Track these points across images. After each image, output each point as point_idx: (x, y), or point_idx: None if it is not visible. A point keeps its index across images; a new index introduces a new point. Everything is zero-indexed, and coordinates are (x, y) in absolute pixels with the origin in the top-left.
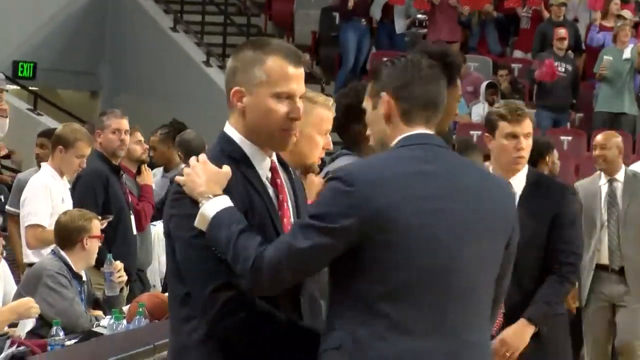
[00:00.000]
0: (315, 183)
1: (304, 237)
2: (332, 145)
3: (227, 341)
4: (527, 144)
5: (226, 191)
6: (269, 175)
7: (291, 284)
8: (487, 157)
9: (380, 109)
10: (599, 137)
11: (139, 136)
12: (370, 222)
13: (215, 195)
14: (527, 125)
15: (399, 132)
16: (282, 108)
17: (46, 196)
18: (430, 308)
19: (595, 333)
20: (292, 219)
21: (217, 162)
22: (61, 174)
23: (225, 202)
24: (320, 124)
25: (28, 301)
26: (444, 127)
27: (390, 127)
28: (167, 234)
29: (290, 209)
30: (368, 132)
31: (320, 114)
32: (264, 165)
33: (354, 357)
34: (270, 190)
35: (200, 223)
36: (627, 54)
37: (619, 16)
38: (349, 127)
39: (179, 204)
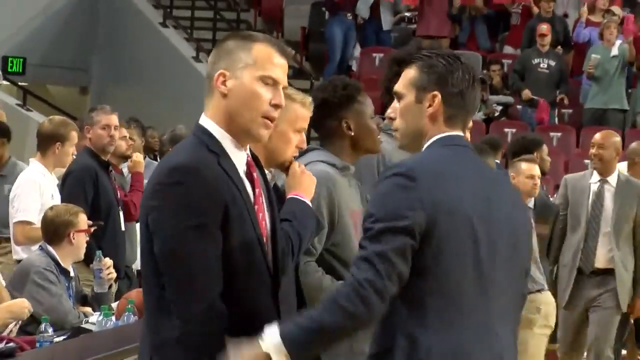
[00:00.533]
0: (297, 173)
1: (384, 243)
2: (305, 144)
3: (210, 336)
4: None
5: (213, 185)
6: (245, 169)
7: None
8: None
9: (425, 104)
10: (597, 136)
11: (124, 132)
12: (433, 215)
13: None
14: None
15: (438, 131)
16: (266, 93)
17: (35, 192)
18: (476, 305)
19: (568, 336)
20: (266, 214)
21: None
22: (51, 170)
23: (273, 331)
24: (295, 121)
25: (22, 301)
26: None
27: (432, 126)
28: (145, 225)
29: (264, 203)
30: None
31: (297, 111)
32: (240, 159)
33: (410, 356)
34: (247, 184)
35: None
36: (614, 51)
37: (607, 11)
38: (324, 121)
39: (161, 196)
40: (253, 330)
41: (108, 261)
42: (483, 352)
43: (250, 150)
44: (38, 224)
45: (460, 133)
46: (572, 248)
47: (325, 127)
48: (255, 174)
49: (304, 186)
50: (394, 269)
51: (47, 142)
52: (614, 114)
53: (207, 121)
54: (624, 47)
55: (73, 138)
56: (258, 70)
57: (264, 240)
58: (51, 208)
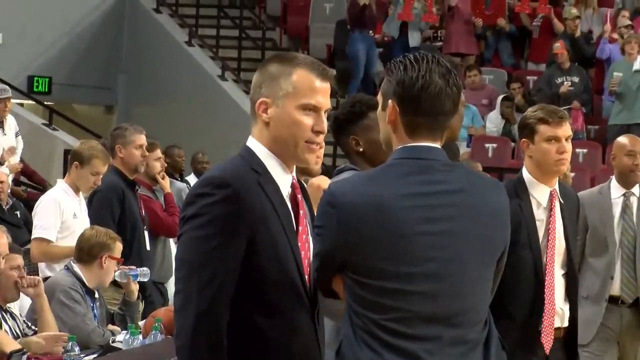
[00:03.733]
0: (320, 188)
1: (315, 244)
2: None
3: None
4: (569, 147)
5: (243, 202)
6: (290, 191)
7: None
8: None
9: (387, 113)
10: (624, 141)
11: (159, 153)
12: (351, 244)
13: None
14: (568, 128)
15: (401, 141)
16: (307, 120)
17: (56, 211)
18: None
19: None
20: (309, 235)
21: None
22: (76, 190)
23: None
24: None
25: (60, 336)
26: (454, 133)
27: (395, 134)
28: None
29: (308, 225)
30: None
31: None
32: (285, 181)
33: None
34: (289, 206)
35: None
36: (636, 66)
37: (627, 27)
38: (338, 139)
39: (190, 206)
40: (294, 346)
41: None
42: None
43: (298, 178)
44: (56, 242)
45: (426, 143)
46: (599, 276)
47: (341, 145)
48: (299, 197)
49: (315, 200)
50: (319, 274)
51: (70, 160)
52: (638, 128)
53: (253, 142)
54: None
55: (94, 165)
56: (299, 98)
57: (304, 261)
58: (92, 228)
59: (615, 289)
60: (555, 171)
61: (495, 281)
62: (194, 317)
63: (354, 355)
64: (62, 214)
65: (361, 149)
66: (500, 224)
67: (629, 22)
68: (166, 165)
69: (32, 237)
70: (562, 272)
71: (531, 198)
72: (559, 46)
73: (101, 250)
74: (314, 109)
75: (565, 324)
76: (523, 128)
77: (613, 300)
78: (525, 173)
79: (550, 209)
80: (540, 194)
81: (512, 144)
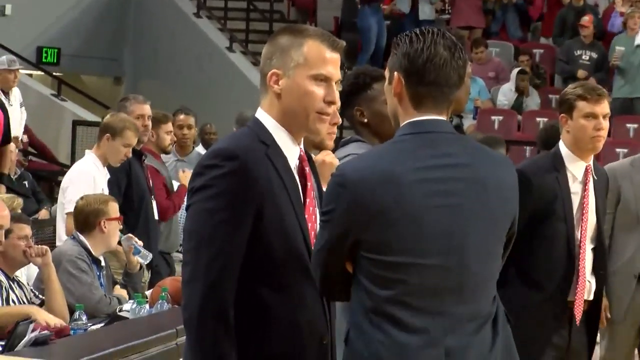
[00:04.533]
0: (325, 164)
1: (320, 236)
2: (339, 119)
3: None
4: (606, 125)
5: (250, 173)
6: (297, 163)
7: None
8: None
9: (392, 86)
10: None
11: (170, 127)
12: (364, 222)
13: None
14: (606, 106)
15: (408, 115)
16: (318, 90)
17: (89, 183)
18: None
19: (623, 352)
20: (316, 208)
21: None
22: (104, 163)
23: None
24: None
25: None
26: (461, 106)
27: (401, 107)
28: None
29: (316, 198)
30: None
31: None
32: (293, 154)
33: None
34: (297, 179)
35: None
36: (638, 40)
37: (637, 1)
38: (343, 112)
39: (198, 177)
40: (300, 321)
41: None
42: None
43: (306, 150)
44: None
45: (433, 117)
46: (629, 251)
47: (346, 117)
48: (307, 169)
49: (325, 176)
50: (323, 262)
51: (100, 132)
52: None
53: (262, 114)
54: None
55: (126, 136)
56: (310, 69)
57: (311, 234)
58: (82, 197)
59: None
60: (591, 148)
61: (504, 255)
62: (202, 289)
63: (364, 342)
64: (95, 186)
65: (365, 120)
66: (508, 198)
67: None
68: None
69: (66, 211)
70: (592, 246)
71: (567, 172)
72: (587, 19)
73: (97, 217)
74: (325, 80)
75: (591, 297)
76: (562, 104)
77: None
78: (562, 147)
79: (585, 184)
80: (577, 168)
81: (519, 116)
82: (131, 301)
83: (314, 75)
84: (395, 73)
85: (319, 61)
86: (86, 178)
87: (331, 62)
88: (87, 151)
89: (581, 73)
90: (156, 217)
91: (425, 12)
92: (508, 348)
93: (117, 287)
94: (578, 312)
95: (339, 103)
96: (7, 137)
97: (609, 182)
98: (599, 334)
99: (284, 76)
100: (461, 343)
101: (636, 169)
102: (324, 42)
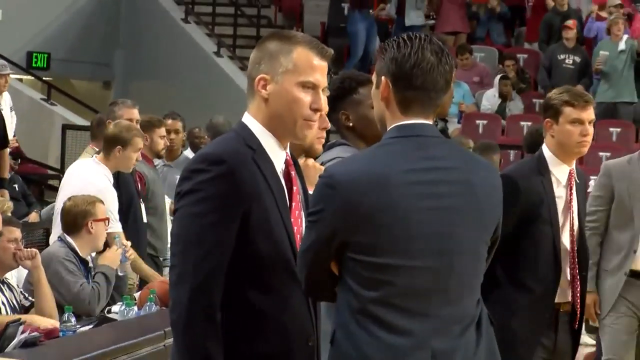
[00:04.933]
0: (310, 167)
1: (306, 236)
2: (328, 124)
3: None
4: (591, 130)
5: (237, 178)
6: (283, 167)
7: (319, 284)
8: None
9: (380, 90)
10: None
11: (164, 131)
12: (353, 224)
13: None
14: (592, 112)
15: (395, 119)
16: (305, 97)
17: (114, 202)
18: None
19: (615, 348)
20: (302, 211)
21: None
22: (113, 173)
23: None
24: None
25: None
26: (445, 110)
27: (388, 111)
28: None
29: (302, 201)
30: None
31: None
32: (279, 158)
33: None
34: (282, 183)
35: None
36: (621, 46)
37: (617, 6)
38: (330, 116)
39: (186, 182)
40: (287, 322)
41: (128, 243)
42: None
43: (291, 153)
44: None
45: (420, 120)
46: (622, 250)
47: (332, 121)
48: (293, 173)
49: (310, 179)
50: (309, 262)
51: (109, 145)
52: (624, 107)
53: (249, 119)
54: (631, 42)
55: (135, 143)
56: (298, 75)
57: (297, 236)
58: (69, 199)
59: (638, 263)
60: (577, 152)
61: (488, 258)
62: (189, 292)
63: (351, 343)
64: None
65: (351, 124)
66: (495, 202)
67: (619, 2)
68: (167, 144)
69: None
70: (575, 248)
71: (551, 176)
72: (571, 23)
73: (85, 218)
74: (312, 87)
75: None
76: (548, 109)
77: (636, 274)
78: (546, 151)
79: (569, 187)
80: (561, 172)
81: (503, 121)
82: (120, 303)
83: (301, 82)
84: (383, 77)
85: (307, 68)
86: (112, 196)
87: (319, 70)
88: (94, 161)
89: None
90: (145, 220)
91: (412, 17)
92: (491, 351)
93: None
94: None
95: (326, 109)
96: (4, 141)
97: (604, 179)
98: (592, 337)
99: (272, 81)
100: (447, 346)
101: (632, 167)
102: (312, 49)
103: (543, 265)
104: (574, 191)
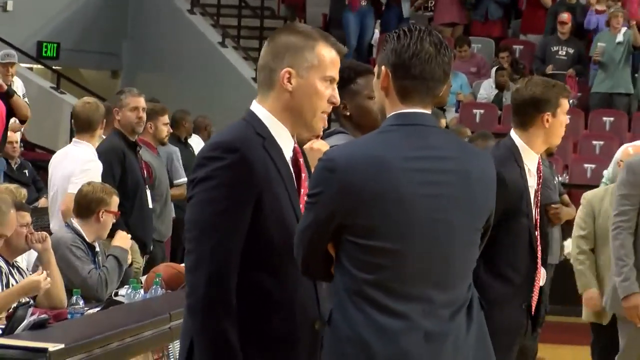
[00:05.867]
0: (315, 150)
1: (305, 216)
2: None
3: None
4: None
5: (250, 165)
6: (291, 155)
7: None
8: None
9: (380, 79)
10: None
11: (167, 119)
12: (351, 207)
13: None
14: None
15: (394, 107)
16: (327, 91)
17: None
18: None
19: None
20: None
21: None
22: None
23: None
24: None
25: (36, 281)
26: (443, 99)
27: (388, 100)
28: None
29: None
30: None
31: None
32: (288, 145)
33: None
34: (291, 170)
35: None
36: (619, 37)
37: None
38: None
39: (202, 169)
40: (295, 303)
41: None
42: None
43: (299, 142)
44: None
45: (418, 110)
46: None
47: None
48: (301, 160)
49: (314, 163)
50: (306, 242)
51: (92, 126)
52: (619, 98)
53: (258, 107)
54: (629, 33)
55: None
56: (322, 70)
57: None
58: (89, 183)
59: None
60: (557, 142)
61: (481, 245)
62: (206, 276)
63: (347, 323)
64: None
65: (348, 113)
66: (489, 191)
67: None
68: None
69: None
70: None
71: (525, 165)
72: (566, 17)
73: (98, 205)
74: (331, 81)
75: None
76: (546, 103)
77: None
78: (517, 140)
79: (539, 177)
80: (531, 161)
81: (499, 110)
82: (126, 286)
83: (325, 77)
84: (383, 67)
85: (329, 64)
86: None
87: (337, 65)
88: (83, 142)
89: (549, 68)
90: (150, 205)
91: (407, 8)
92: (482, 336)
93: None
94: (534, 302)
95: (338, 102)
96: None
97: (632, 177)
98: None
99: (297, 76)
100: (439, 328)
101: None
102: (332, 46)
103: (522, 256)
104: (542, 180)
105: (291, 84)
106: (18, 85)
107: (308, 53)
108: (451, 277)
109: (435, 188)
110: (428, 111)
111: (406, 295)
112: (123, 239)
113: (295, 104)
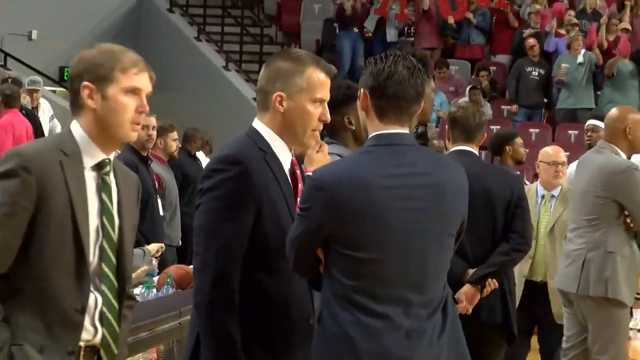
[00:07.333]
0: (314, 159)
1: (296, 226)
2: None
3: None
4: None
5: (252, 177)
6: (289, 167)
7: (305, 264)
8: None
9: (360, 101)
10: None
11: (176, 135)
12: (337, 220)
13: None
14: None
15: (374, 125)
16: (316, 111)
17: None
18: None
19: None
20: None
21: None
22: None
23: None
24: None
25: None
26: (426, 116)
27: (368, 119)
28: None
29: None
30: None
31: None
32: (286, 159)
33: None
34: (289, 180)
35: None
36: (580, 59)
37: (572, 25)
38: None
39: (208, 180)
40: (291, 301)
41: (153, 247)
42: None
43: (296, 155)
44: None
45: (397, 129)
46: None
47: (330, 122)
48: (298, 172)
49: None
50: (296, 250)
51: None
52: (582, 112)
53: (259, 124)
54: (590, 55)
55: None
56: (311, 93)
57: None
58: None
59: None
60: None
61: (454, 247)
62: (211, 277)
63: (335, 322)
64: None
65: (353, 127)
66: (460, 200)
67: (575, 21)
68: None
69: None
70: None
71: None
72: (532, 41)
73: None
74: (321, 102)
75: None
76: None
77: None
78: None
79: None
80: None
81: None
82: (140, 286)
83: (314, 99)
84: (362, 89)
85: (317, 86)
86: None
87: (326, 86)
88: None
89: (513, 109)
90: (161, 213)
91: (391, 34)
92: (455, 330)
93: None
94: None
95: (329, 120)
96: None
97: None
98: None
99: (288, 99)
100: (417, 326)
101: None
102: (322, 70)
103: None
104: None
105: (283, 106)
106: (45, 107)
107: (297, 77)
108: (428, 280)
109: (411, 202)
110: (405, 129)
111: (387, 298)
112: (154, 247)
113: (288, 124)
